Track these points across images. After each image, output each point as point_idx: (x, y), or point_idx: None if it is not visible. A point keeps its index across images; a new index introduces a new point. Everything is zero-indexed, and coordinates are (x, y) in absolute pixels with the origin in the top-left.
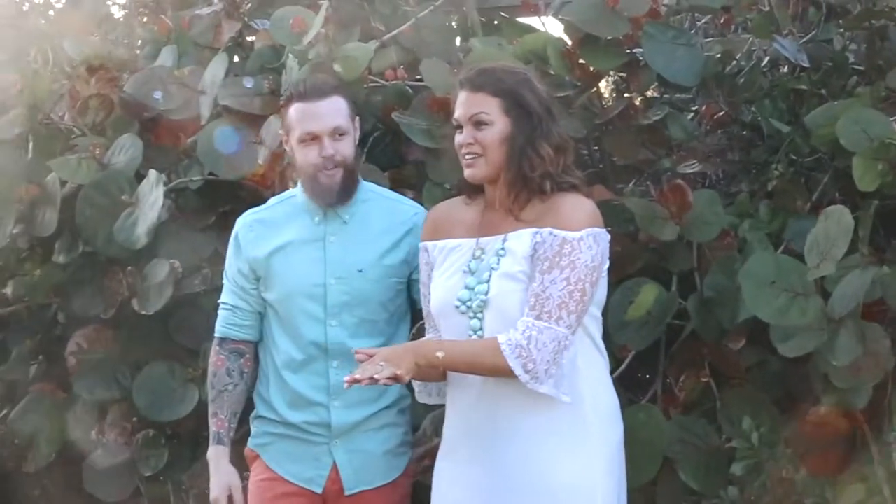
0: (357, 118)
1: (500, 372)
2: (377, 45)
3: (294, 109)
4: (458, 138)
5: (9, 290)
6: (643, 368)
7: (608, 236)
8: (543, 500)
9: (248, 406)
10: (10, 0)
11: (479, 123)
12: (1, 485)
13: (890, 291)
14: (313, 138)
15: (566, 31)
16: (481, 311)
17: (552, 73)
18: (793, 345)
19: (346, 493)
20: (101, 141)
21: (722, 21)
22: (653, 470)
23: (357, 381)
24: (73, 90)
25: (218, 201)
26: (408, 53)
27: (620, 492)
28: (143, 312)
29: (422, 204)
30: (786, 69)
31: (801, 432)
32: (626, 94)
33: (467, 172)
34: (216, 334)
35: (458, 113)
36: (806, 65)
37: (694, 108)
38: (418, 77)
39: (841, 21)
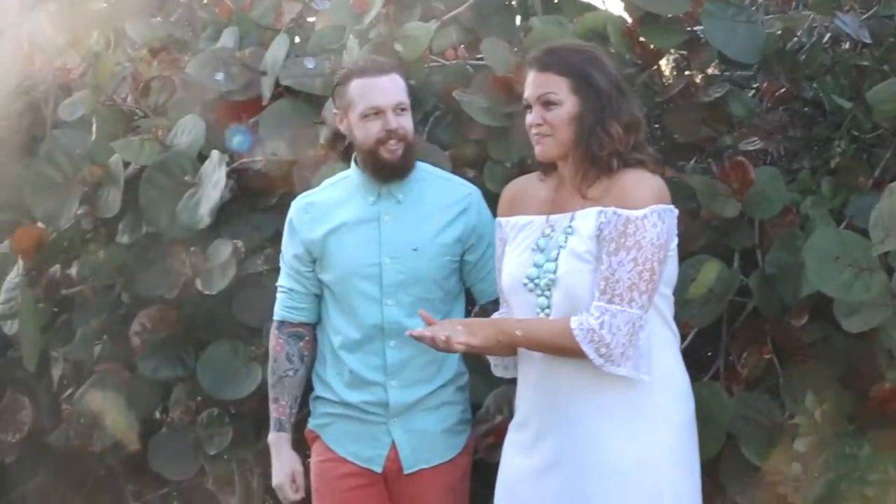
0: (410, 99)
1: (574, 354)
2: (437, 24)
3: (355, 85)
4: (528, 118)
5: (73, 271)
6: (705, 345)
7: (675, 212)
8: (608, 480)
9: (308, 387)
10: None
11: (547, 103)
12: (67, 464)
13: None
14: (376, 113)
15: (626, 8)
16: (549, 290)
17: (612, 51)
18: (857, 320)
19: (405, 471)
20: (164, 122)
21: None
22: (716, 447)
23: (423, 338)
24: (135, 72)
25: (279, 181)
26: (468, 32)
27: (692, 471)
28: (207, 292)
29: (482, 183)
30: (847, 45)
31: (864, 408)
32: (686, 72)
33: (537, 151)
34: (275, 317)
35: (528, 93)
36: (867, 41)
37: (755, 86)
38: (479, 56)
39: None
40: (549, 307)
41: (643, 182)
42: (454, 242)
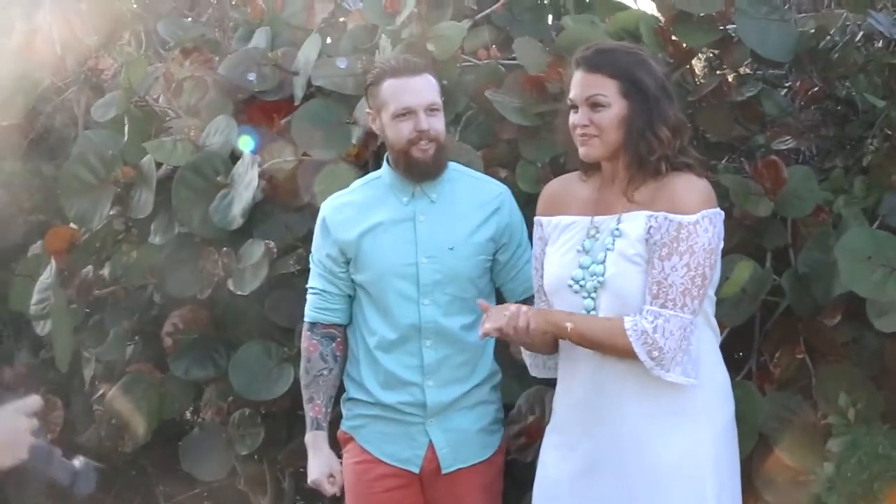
0: (442, 99)
1: (624, 354)
2: (470, 24)
3: (388, 86)
4: (573, 118)
5: (106, 272)
6: (738, 345)
7: (723, 215)
8: (654, 480)
9: (339, 388)
10: None
11: (595, 105)
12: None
13: None
14: (408, 113)
15: (659, 7)
16: (595, 291)
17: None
18: (889, 320)
19: (444, 471)
20: (196, 122)
21: None
22: (748, 446)
23: (491, 333)
24: (167, 73)
25: (312, 181)
26: (500, 32)
27: (733, 469)
28: (239, 292)
29: (514, 183)
30: (880, 44)
31: None
32: (719, 71)
33: (582, 151)
34: (306, 319)
35: (574, 93)
36: None
37: (787, 84)
38: (511, 55)
39: None
40: (594, 309)
41: (693, 186)
42: (487, 241)
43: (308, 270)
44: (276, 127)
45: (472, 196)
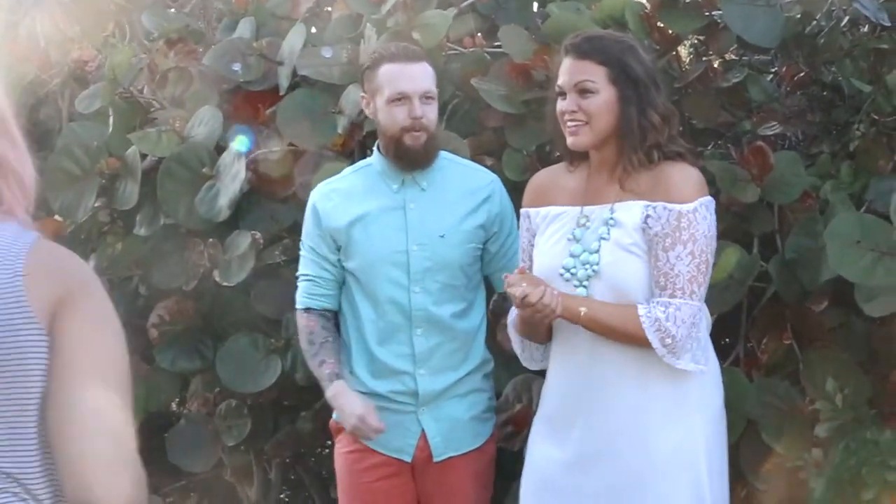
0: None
1: (636, 341)
2: (455, 12)
3: (385, 70)
4: (561, 105)
5: (91, 263)
6: (725, 331)
7: (713, 202)
8: (646, 468)
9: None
10: None
11: (583, 91)
12: None
13: None
14: (403, 98)
15: None
16: (588, 280)
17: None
18: (878, 304)
19: (435, 459)
20: (181, 113)
21: None
22: (736, 432)
23: (518, 294)
24: (151, 63)
25: (298, 171)
26: (485, 20)
27: (722, 457)
28: (225, 284)
29: (501, 171)
30: (866, 28)
31: (885, 393)
32: (704, 57)
33: (570, 140)
34: (299, 306)
35: (563, 80)
36: (886, 23)
37: (773, 70)
38: (496, 44)
39: None
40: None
41: (688, 175)
42: (478, 229)
43: (295, 261)
44: (261, 117)
45: (463, 184)
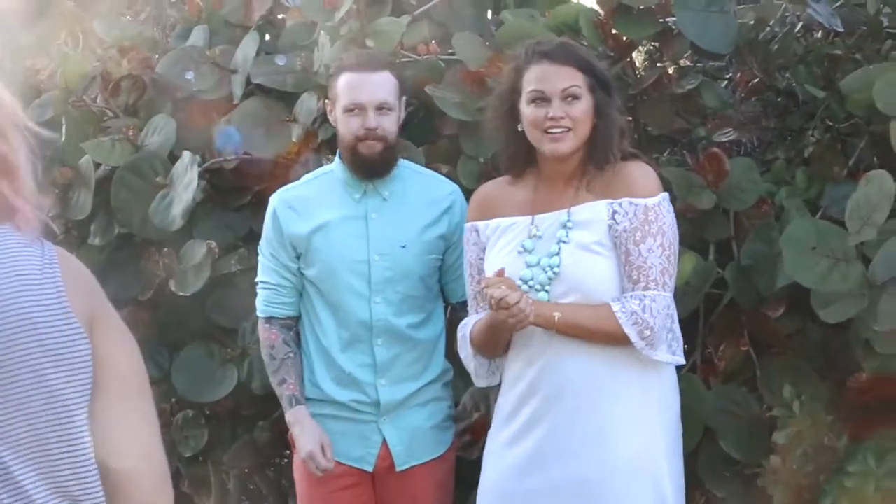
0: (403, 98)
1: (613, 339)
2: (409, 19)
3: (343, 79)
4: (539, 112)
5: None
6: (683, 338)
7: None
8: (606, 472)
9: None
10: None
11: (571, 97)
12: None
13: None
14: (358, 109)
15: (598, 1)
16: (549, 284)
17: (585, 43)
18: (834, 310)
19: (398, 468)
20: (135, 122)
21: None
22: (694, 439)
23: (495, 295)
24: (104, 72)
25: (252, 180)
26: (440, 27)
27: (679, 463)
28: (181, 293)
29: (456, 178)
30: (820, 34)
31: (842, 399)
32: (659, 64)
33: (552, 147)
34: (260, 314)
35: (545, 86)
36: (840, 29)
37: (728, 76)
38: (451, 51)
39: None
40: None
41: (647, 172)
42: (438, 240)
43: (251, 270)
44: (215, 125)
45: (424, 194)
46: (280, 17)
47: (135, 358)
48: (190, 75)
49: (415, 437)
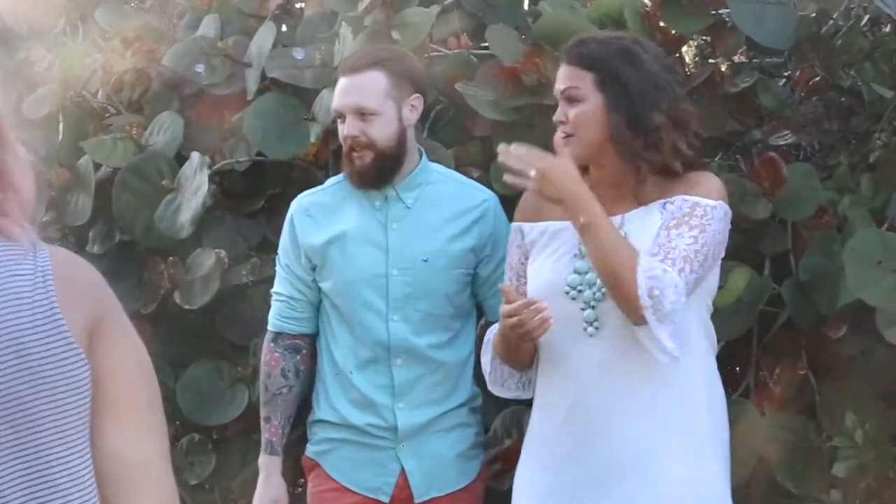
0: (414, 96)
1: (620, 285)
2: (438, 10)
3: (337, 84)
4: (556, 115)
5: None
6: (734, 360)
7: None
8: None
9: (303, 406)
10: None
11: (570, 99)
12: None
13: None
14: (339, 116)
15: None
16: (596, 301)
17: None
18: None
19: (416, 500)
20: (138, 119)
21: None
22: (746, 471)
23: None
24: (106, 65)
25: (266, 184)
26: (472, 19)
27: (727, 492)
28: (187, 307)
29: (489, 183)
30: (888, 28)
31: None
32: (711, 60)
33: (561, 152)
34: (270, 328)
35: (554, 88)
36: None
37: (786, 74)
38: (484, 45)
39: None
40: (596, 321)
41: (715, 180)
42: (467, 253)
43: (264, 281)
44: (226, 124)
45: (454, 203)
46: (298, 6)
47: (144, 368)
48: (199, 69)
49: (436, 467)
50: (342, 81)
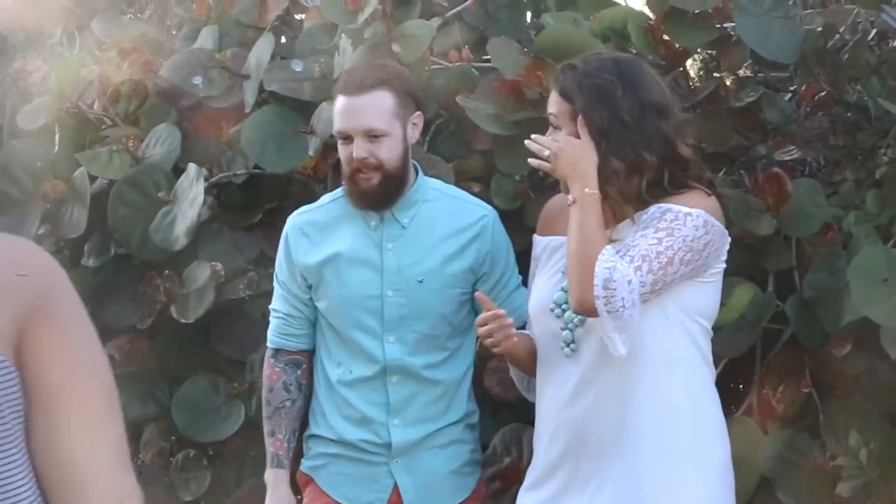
0: (416, 114)
1: (581, 269)
2: (440, 22)
3: (337, 103)
4: None
5: None
6: (737, 378)
7: (727, 238)
8: None
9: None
10: None
11: (552, 124)
12: None
13: None
14: (346, 138)
15: (649, 4)
16: (573, 325)
17: (634, 51)
18: None
19: None
20: (135, 132)
21: None
22: (748, 490)
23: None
24: (102, 76)
25: (264, 197)
26: (473, 31)
27: None
28: (183, 320)
29: (490, 198)
30: (895, 43)
31: None
32: (716, 74)
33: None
34: (270, 345)
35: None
36: None
37: (792, 88)
38: (485, 57)
39: None
40: (573, 342)
41: (700, 194)
42: (464, 273)
43: (261, 296)
44: (224, 136)
45: (451, 221)
46: (298, 17)
47: (88, 358)
48: (197, 80)
49: (431, 483)
50: (347, 101)
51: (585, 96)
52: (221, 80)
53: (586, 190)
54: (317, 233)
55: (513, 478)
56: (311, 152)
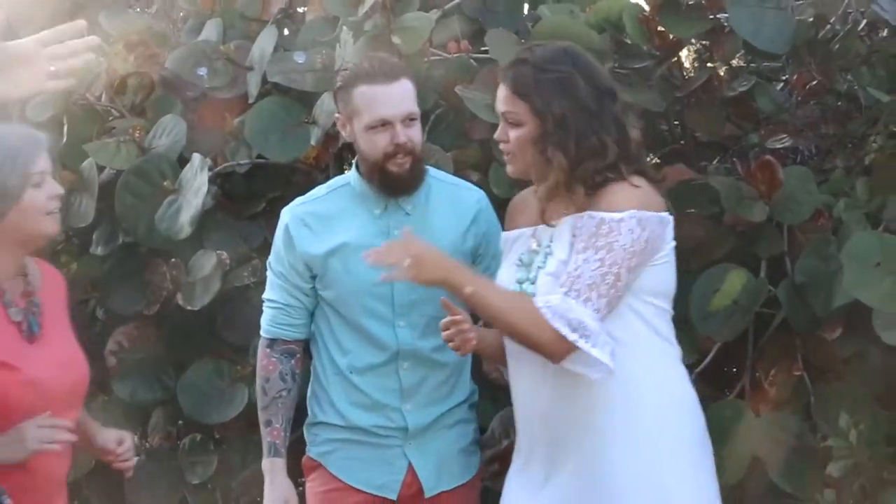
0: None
1: (527, 335)
2: (438, 14)
3: (361, 92)
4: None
5: None
6: (730, 361)
7: (667, 220)
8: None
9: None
10: None
11: (510, 123)
12: None
13: None
14: (385, 124)
15: None
16: None
17: (628, 41)
18: None
19: (427, 495)
20: (141, 123)
21: None
22: (740, 471)
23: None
24: (110, 68)
25: (267, 186)
26: (471, 23)
27: (706, 492)
28: (189, 307)
29: (488, 186)
30: (885, 33)
31: None
32: (709, 64)
33: (507, 168)
34: (264, 335)
35: (496, 105)
36: None
37: (784, 78)
38: (483, 49)
39: None
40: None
41: (622, 191)
42: (468, 254)
43: (264, 283)
44: (228, 127)
45: (450, 206)
46: (300, 10)
47: None
48: (202, 72)
49: (443, 462)
50: (384, 88)
51: (545, 90)
52: (225, 72)
53: (468, 289)
54: (319, 223)
55: (511, 460)
56: (313, 142)
